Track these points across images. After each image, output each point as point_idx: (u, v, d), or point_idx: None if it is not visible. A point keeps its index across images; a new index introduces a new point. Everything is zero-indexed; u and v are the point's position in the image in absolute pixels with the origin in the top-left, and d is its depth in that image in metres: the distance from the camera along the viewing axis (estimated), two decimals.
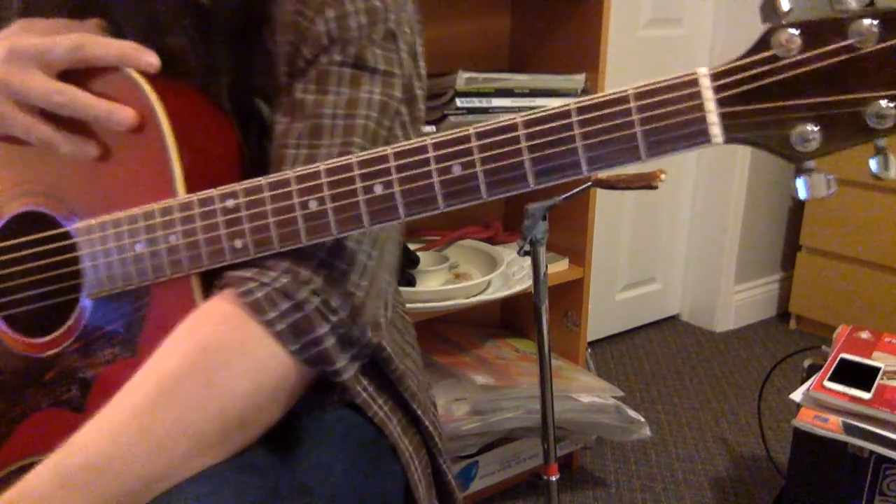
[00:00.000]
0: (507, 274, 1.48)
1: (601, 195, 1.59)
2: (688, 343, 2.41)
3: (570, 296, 1.62)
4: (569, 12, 1.50)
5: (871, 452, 1.15)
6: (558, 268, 1.57)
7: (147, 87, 0.57)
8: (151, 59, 0.57)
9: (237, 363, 0.52)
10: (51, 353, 0.62)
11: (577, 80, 1.46)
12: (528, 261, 1.34)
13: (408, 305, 1.18)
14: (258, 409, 0.54)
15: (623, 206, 2.28)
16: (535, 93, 1.42)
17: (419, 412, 0.72)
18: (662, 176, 1.04)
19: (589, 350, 1.70)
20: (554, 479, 1.18)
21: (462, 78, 1.34)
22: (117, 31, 0.64)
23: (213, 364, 0.52)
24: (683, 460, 1.78)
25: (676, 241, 2.49)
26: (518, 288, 1.43)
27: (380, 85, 0.60)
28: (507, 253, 1.51)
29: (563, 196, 1.07)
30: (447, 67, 1.34)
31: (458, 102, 1.34)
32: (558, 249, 1.60)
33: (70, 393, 0.61)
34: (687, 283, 2.55)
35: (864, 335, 1.40)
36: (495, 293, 1.42)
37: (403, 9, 0.62)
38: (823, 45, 0.43)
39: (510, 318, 1.82)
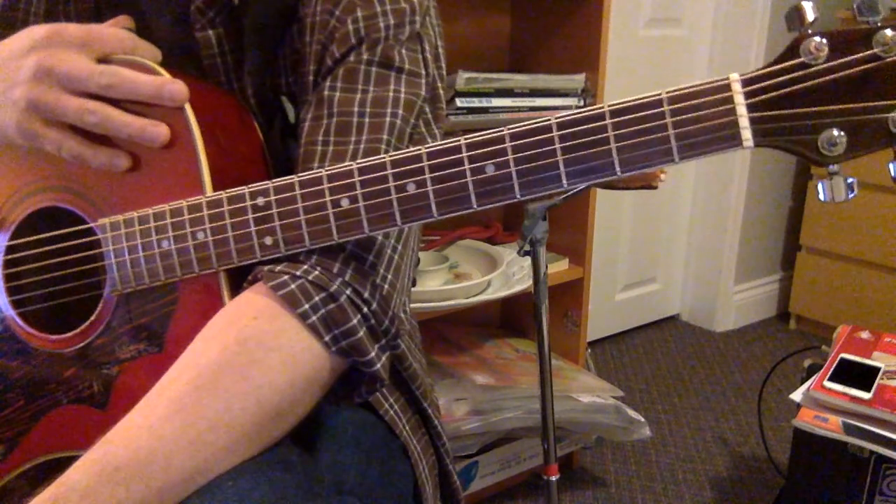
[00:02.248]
0: (507, 274, 1.48)
1: (601, 195, 1.59)
2: (688, 343, 2.41)
3: (570, 296, 1.62)
4: (569, 12, 1.50)
5: (871, 452, 1.15)
6: (558, 268, 1.57)
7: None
8: (181, 97, 0.57)
9: (273, 356, 0.53)
10: (72, 349, 0.61)
11: (578, 80, 1.46)
12: (528, 261, 1.34)
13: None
14: (293, 402, 0.54)
15: (623, 206, 2.28)
16: (535, 93, 1.42)
17: (430, 411, 0.72)
18: (662, 176, 1.03)
19: (589, 350, 1.70)
20: (554, 479, 1.18)
21: (462, 78, 1.34)
22: (144, 24, 0.64)
23: (249, 357, 0.52)
24: (683, 460, 1.78)
25: (676, 241, 2.49)
26: (518, 288, 1.43)
27: (405, 84, 0.61)
28: (507, 253, 1.51)
29: (563, 196, 1.07)
30: (447, 67, 1.34)
31: (458, 102, 1.34)
32: (558, 249, 1.60)
33: (92, 389, 0.61)
34: (687, 284, 2.54)
35: (864, 335, 1.40)
36: (495, 293, 1.42)
37: (427, 12, 0.64)
38: (850, 53, 0.45)
39: (510, 318, 1.82)
